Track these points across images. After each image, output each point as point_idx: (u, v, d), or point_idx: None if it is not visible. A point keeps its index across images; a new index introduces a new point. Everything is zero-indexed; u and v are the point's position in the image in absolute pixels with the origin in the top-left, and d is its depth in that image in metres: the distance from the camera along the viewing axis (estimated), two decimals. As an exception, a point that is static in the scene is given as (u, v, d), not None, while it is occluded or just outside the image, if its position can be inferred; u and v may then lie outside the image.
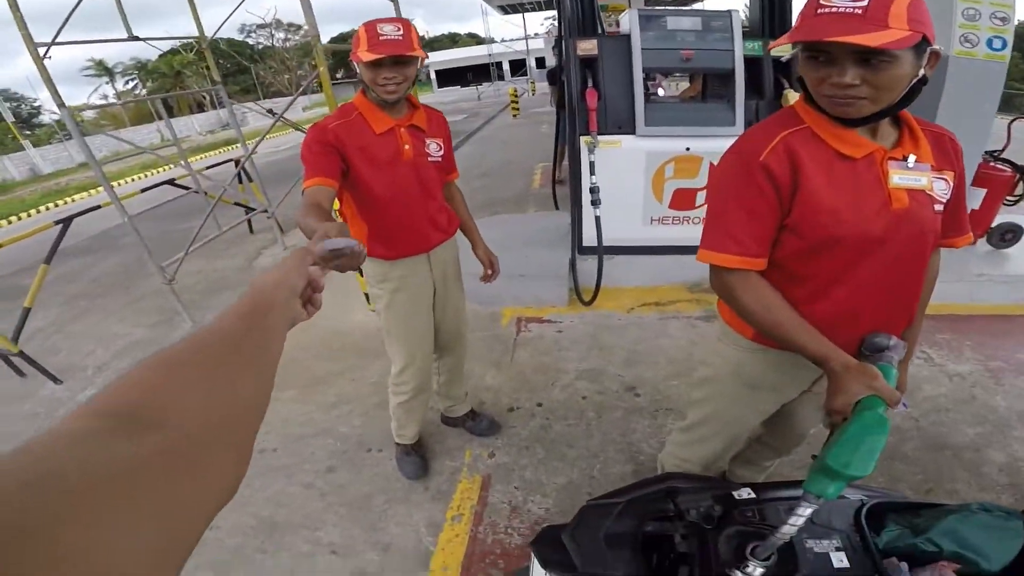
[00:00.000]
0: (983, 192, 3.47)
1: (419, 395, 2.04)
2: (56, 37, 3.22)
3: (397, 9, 3.88)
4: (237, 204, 5.48)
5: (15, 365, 3.41)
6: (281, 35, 41.66)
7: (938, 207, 0.98)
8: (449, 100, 25.84)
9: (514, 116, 14.12)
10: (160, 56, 27.83)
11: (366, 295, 3.54)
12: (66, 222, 3.66)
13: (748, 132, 1.03)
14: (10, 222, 10.78)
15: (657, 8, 3.31)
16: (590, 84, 3.08)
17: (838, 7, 0.82)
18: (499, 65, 33.81)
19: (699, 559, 0.95)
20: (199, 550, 1.24)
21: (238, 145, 4.85)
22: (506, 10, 15.31)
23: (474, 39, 45.77)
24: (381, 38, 1.43)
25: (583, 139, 3.17)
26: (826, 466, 0.80)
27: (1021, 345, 2.88)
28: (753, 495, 1.05)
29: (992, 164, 3.52)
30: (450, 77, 37.28)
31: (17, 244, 3.70)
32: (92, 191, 12.58)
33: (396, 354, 1.94)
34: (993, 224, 3.57)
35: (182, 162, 4.66)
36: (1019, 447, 2.20)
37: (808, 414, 1.39)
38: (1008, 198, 3.59)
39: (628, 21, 3.07)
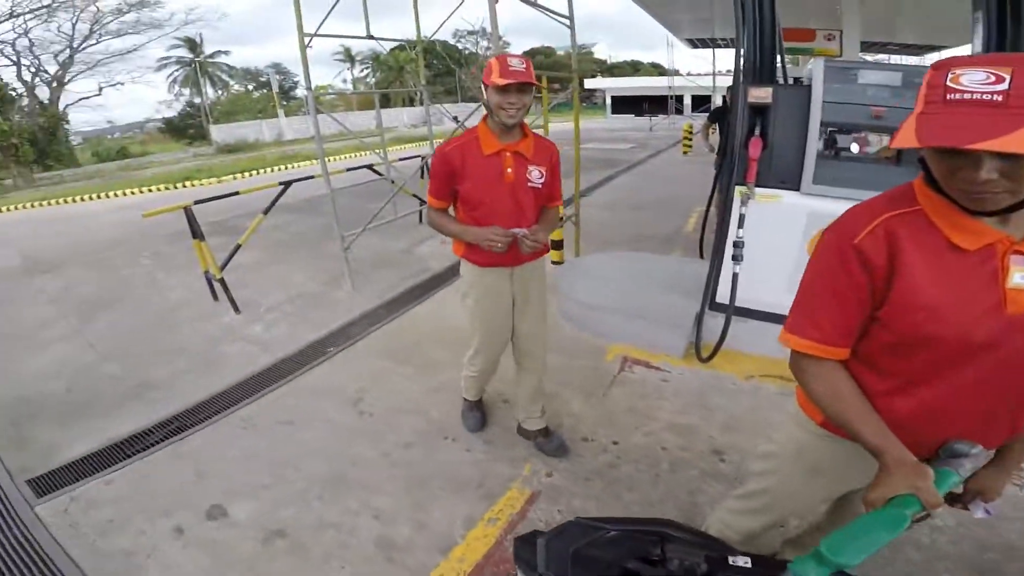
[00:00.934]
0: None
1: (483, 375, 2.41)
2: (318, 30, 3.95)
3: (573, 33, 4.15)
4: (415, 196, 6.17)
5: (214, 289, 4.28)
6: (485, 43, 45.43)
7: None
8: (618, 127, 25.74)
9: (684, 153, 13.56)
10: (390, 51, 31.95)
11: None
12: (287, 184, 4.53)
13: (852, 208, 0.93)
14: (251, 175, 13.47)
15: (851, 61, 3.03)
16: (756, 133, 2.93)
17: (972, 92, 0.71)
18: (679, 99, 32.53)
19: None
20: (269, 480, 1.91)
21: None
22: (695, 44, 14.83)
23: (656, 69, 45.24)
24: (511, 69, 1.71)
25: (738, 189, 3.03)
26: (817, 550, 0.78)
27: None
28: (748, 565, 0.99)
29: None
30: (625, 104, 36.70)
31: (250, 195, 4.70)
32: (314, 161, 15.14)
33: (473, 340, 2.26)
34: None
35: (380, 151, 5.44)
36: None
37: None
38: None
39: (813, 72, 2.88)
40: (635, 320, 3.42)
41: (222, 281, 4.08)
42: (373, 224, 4.68)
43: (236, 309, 4.06)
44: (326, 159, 4.29)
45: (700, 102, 30.69)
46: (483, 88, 1.81)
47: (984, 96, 0.70)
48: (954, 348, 0.84)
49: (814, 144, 2.90)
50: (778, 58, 3.16)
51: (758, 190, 2.97)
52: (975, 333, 0.82)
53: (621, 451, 2.45)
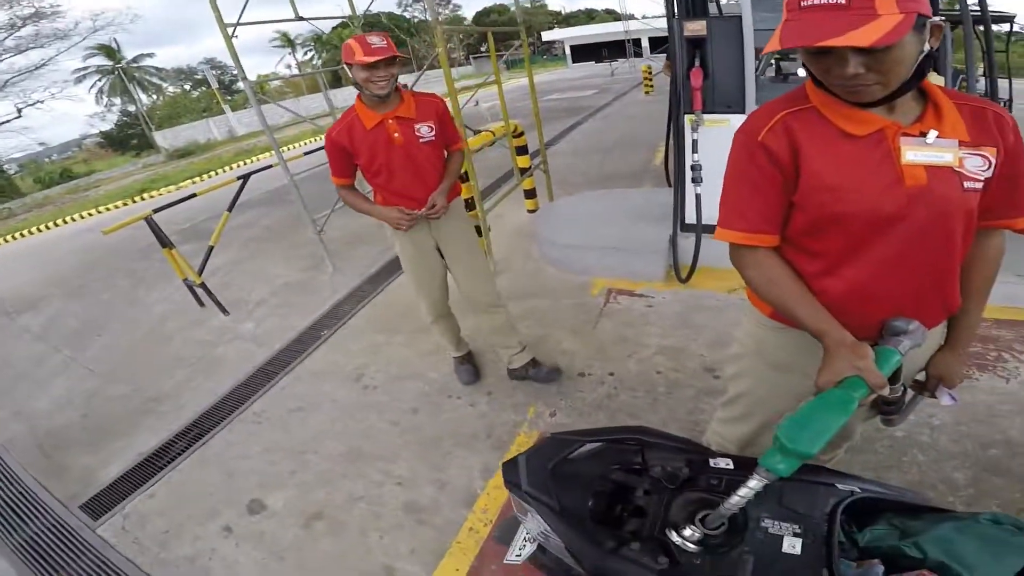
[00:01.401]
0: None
1: (438, 321, 2.58)
2: (240, 18, 3.80)
3: None
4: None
5: (197, 296, 4.28)
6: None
7: (971, 184, 0.91)
8: (580, 76, 25.48)
9: (646, 93, 13.57)
10: (332, 29, 30.51)
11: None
12: (245, 178, 4.47)
13: (755, 111, 1.03)
14: (211, 176, 13.10)
15: None
16: (697, 64, 3.04)
17: None
18: (637, 42, 31.92)
19: (649, 516, 0.98)
20: (294, 467, 2.08)
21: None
22: (646, -14, 14.71)
23: (611, 15, 44.36)
24: (373, 47, 1.82)
25: (687, 117, 3.16)
26: (776, 440, 0.80)
27: None
28: (730, 466, 1.05)
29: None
30: (585, 53, 36.31)
31: (213, 194, 4.63)
32: (272, 152, 14.70)
33: (409, 285, 2.48)
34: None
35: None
36: None
37: None
38: None
39: (741, 2, 2.95)
40: (614, 253, 3.54)
41: (203, 285, 4.09)
42: (341, 204, 4.66)
43: (224, 311, 4.10)
44: (285, 147, 4.22)
45: (658, 43, 30.15)
46: (347, 68, 1.90)
47: (831, 0, 0.79)
48: (863, 222, 0.94)
49: (751, 69, 3.04)
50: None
51: (706, 116, 3.11)
52: (881, 206, 0.91)
53: (618, 381, 2.59)
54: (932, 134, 0.90)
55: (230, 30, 3.70)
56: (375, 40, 1.82)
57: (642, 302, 3.25)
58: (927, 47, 0.84)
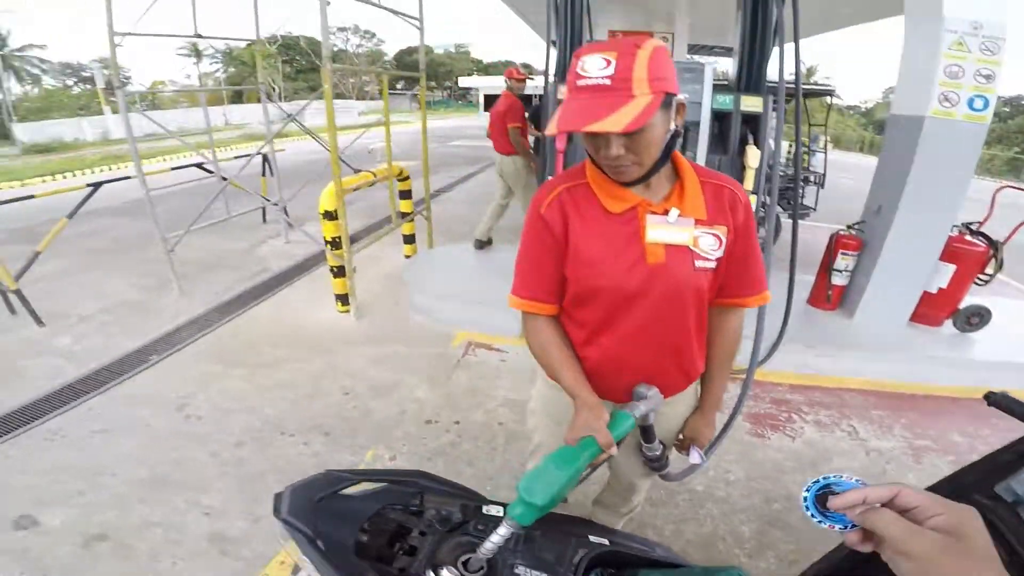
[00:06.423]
0: (952, 268, 3.22)
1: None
2: (132, 30, 3.62)
3: (422, 34, 4.17)
4: (259, 195, 5.76)
5: (9, 301, 3.71)
6: (356, 40, 44.68)
7: (703, 263, 0.98)
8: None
9: None
10: (247, 45, 29.32)
11: (337, 296, 3.76)
12: (96, 186, 4.03)
13: (544, 182, 1.08)
14: (69, 177, 11.65)
15: None
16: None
17: (591, 78, 0.82)
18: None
19: (419, 556, 0.98)
20: (83, 488, 1.83)
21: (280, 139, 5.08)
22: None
23: (528, 69, 47.30)
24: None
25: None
26: (517, 491, 0.83)
27: (956, 427, 2.76)
28: (501, 513, 1.07)
29: (964, 237, 3.25)
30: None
31: (65, 197, 4.14)
32: (151, 160, 13.48)
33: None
34: (961, 306, 3.31)
35: (206, 151, 5.02)
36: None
37: (625, 460, 1.36)
38: (979, 277, 3.27)
39: None
40: (477, 306, 3.59)
41: (19, 292, 3.56)
42: (206, 224, 4.36)
43: (39, 321, 3.58)
44: (162, 158, 3.88)
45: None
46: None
47: (599, 81, 0.81)
48: (614, 297, 1.00)
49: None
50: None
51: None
52: (627, 282, 0.98)
53: (462, 430, 2.58)
54: (674, 212, 0.96)
55: (117, 39, 3.45)
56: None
57: (497, 356, 3.30)
58: (674, 126, 0.91)
